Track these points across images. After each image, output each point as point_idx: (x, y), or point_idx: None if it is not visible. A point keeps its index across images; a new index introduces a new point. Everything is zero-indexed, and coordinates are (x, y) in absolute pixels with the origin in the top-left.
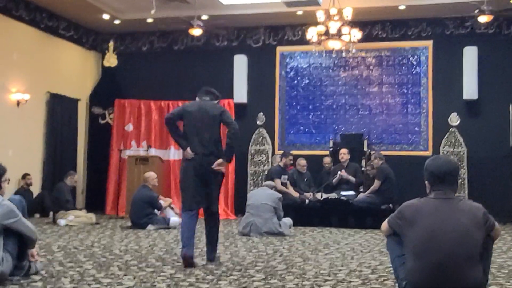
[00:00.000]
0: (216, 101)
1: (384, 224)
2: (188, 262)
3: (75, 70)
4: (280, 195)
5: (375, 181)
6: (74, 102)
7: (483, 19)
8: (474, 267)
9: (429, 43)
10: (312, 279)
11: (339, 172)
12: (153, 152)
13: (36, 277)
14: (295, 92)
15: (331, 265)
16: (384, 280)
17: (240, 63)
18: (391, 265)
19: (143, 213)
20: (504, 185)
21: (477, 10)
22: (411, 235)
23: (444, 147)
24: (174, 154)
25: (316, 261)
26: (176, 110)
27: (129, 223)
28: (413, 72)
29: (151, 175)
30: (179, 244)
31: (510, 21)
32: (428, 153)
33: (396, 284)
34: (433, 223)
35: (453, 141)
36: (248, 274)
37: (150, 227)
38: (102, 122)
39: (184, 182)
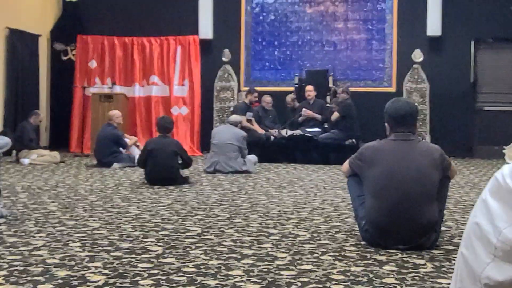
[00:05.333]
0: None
1: (345, 165)
2: None
3: (35, 4)
4: (245, 134)
5: (335, 112)
6: (35, 37)
7: None
8: (431, 205)
9: None
10: (276, 218)
11: (302, 110)
12: (117, 89)
13: (0, 220)
14: (260, 28)
15: (294, 203)
16: (345, 217)
17: None
18: (351, 204)
19: (108, 152)
20: (464, 120)
21: None
22: (370, 175)
23: (407, 83)
24: (139, 90)
25: (280, 199)
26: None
27: (94, 162)
28: (378, 8)
29: (116, 113)
30: (144, 182)
31: None
32: (392, 89)
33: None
34: (392, 163)
35: (416, 77)
36: (213, 213)
37: (115, 165)
38: (64, 58)
39: None
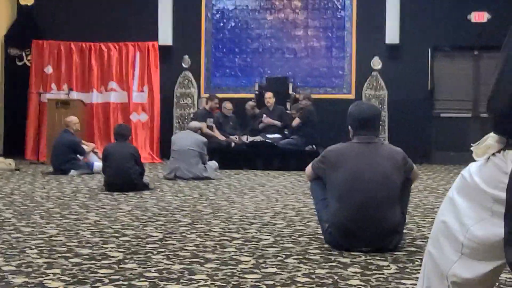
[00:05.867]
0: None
1: (308, 169)
2: None
3: None
4: (205, 140)
5: (296, 118)
6: None
7: None
8: (394, 208)
9: None
10: (238, 223)
11: (263, 117)
12: (74, 95)
13: None
14: (221, 35)
15: (256, 208)
16: (308, 221)
17: (165, 3)
18: (314, 208)
19: (65, 159)
20: (422, 126)
21: None
22: (334, 178)
23: (366, 90)
24: (97, 97)
25: (241, 204)
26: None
27: (51, 169)
28: (338, 16)
29: (73, 119)
30: (103, 189)
31: None
32: (351, 96)
33: (320, 226)
34: (356, 166)
35: (375, 84)
36: (174, 219)
37: (73, 172)
38: (19, 63)
39: None
